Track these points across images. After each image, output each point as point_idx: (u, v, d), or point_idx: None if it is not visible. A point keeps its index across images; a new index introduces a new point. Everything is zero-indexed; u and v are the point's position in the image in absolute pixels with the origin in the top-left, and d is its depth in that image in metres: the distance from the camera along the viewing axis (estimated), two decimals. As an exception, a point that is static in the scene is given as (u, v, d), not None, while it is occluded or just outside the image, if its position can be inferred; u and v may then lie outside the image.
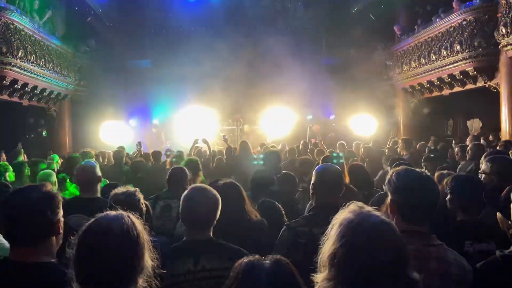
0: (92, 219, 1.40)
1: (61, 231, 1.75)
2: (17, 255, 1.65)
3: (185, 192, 2.19)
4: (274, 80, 18.57)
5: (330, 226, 1.36)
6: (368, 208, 1.36)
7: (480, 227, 2.58)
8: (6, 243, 2.14)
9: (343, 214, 1.34)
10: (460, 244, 2.36)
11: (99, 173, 3.37)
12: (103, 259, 1.30)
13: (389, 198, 1.85)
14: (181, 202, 2.17)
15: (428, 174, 1.93)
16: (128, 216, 1.41)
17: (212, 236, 2.16)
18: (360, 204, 1.39)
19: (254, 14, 16.87)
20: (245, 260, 1.36)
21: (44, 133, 12.20)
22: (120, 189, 2.57)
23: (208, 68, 18.61)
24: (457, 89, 10.32)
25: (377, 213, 1.34)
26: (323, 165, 2.57)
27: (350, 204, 1.39)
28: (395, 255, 1.25)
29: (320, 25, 16.48)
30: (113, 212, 1.42)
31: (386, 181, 1.90)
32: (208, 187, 2.27)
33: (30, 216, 1.64)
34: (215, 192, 2.20)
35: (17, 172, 4.77)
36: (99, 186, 3.37)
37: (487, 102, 10.00)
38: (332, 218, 2.21)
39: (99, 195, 3.32)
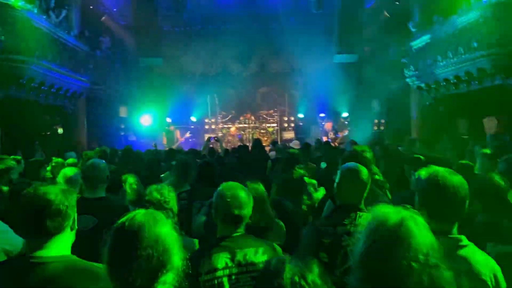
0: (125, 217, 1.44)
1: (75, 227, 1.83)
2: (34, 249, 1.71)
3: (219, 189, 2.25)
4: (286, 77, 18.58)
5: (362, 225, 1.34)
6: (401, 208, 1.35)
7: (503, 228, 2.54)
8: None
9: (377, 213, 1.33)
10: (482, 246, 2.32)
11: (107, 172, 3.33)
12: (134, 257, 1.34)
13: (416, 197, 1.84)
14: (215, 199, 2.22)
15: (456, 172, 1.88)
16: (159, 215, 1.45)
17: (245, 232, 2.21)
18: (391, 205, 1.38)
19: (266, 11, 16.83)
20: (274, 259, 1.37)
21: (60, 130, 12.33)
22: (153, 187, 2.65)
23: (219, 66, 18.70)
24: (474, 87, 10.17)
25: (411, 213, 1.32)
26: (348, 164, 2.52)
27: (379, 204, 1.39)
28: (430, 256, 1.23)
29: (333, 22, 16.37)
30: (143, 210, 1.46)
31: (414, 180, 1.89)
32: (240, 184, 2.32)
33: (50, 211, 1.70)
34: (246, 189, 2.27)
35: None
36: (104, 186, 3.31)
37: (504, 100, 9.82)
38: (357, 217, 2.22)
39: (104, 194, 3.26)
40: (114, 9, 14.70)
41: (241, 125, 17.27)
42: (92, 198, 3.15)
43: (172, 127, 15.40)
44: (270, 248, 2.16)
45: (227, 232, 2.17)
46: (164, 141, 15.04)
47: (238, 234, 2.16)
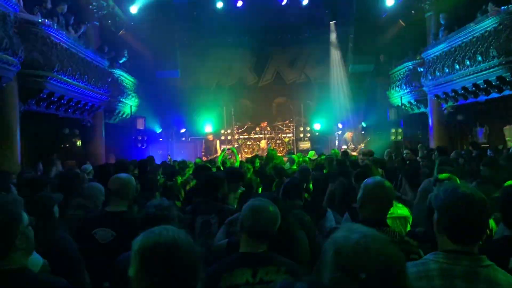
0: (154, 233, 1.42)
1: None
2: None
3: (250, 202, 2.23)
4: (302, 87, 18.60)
5: None
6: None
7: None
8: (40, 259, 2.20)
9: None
10: (504, 261, 2.24)
11: (133, 186, 3.28)
12: (173, 272, 1.35)
13: (435, 215, 1.78)
14: (244, 212, 2.19)
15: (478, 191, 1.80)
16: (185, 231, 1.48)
17: (267, 249, 2.18)
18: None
19: (281, 22, 16.95)
20: (281, 282, 1.36)
21: (79, 143, 12.54)
22: (154, 202, 2.53)
23: (235, 77, 18.85)
24: (493, 95, 9.99)
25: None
26: (373, 179, 2.45)
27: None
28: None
29: (348, 32, 16.38)
30: (172, 227, 1.47)
31: (433, 197, 1.81)
32: (269, 200, 2.28)
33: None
34: (275, 206, 2.24)
35: None
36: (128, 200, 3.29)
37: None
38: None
39: (125, 208, 3.23)
40: (132, 23, 14.98)
41: (256, 136, 17.21)
42: (112, 211, 3.16)
43: (210, 137, 15.22)
44: (292, 267, 2.12)
45: (250, 248, 2.14)
46: (203, 150, 14.98)
47: (261, 250, 2.13)
